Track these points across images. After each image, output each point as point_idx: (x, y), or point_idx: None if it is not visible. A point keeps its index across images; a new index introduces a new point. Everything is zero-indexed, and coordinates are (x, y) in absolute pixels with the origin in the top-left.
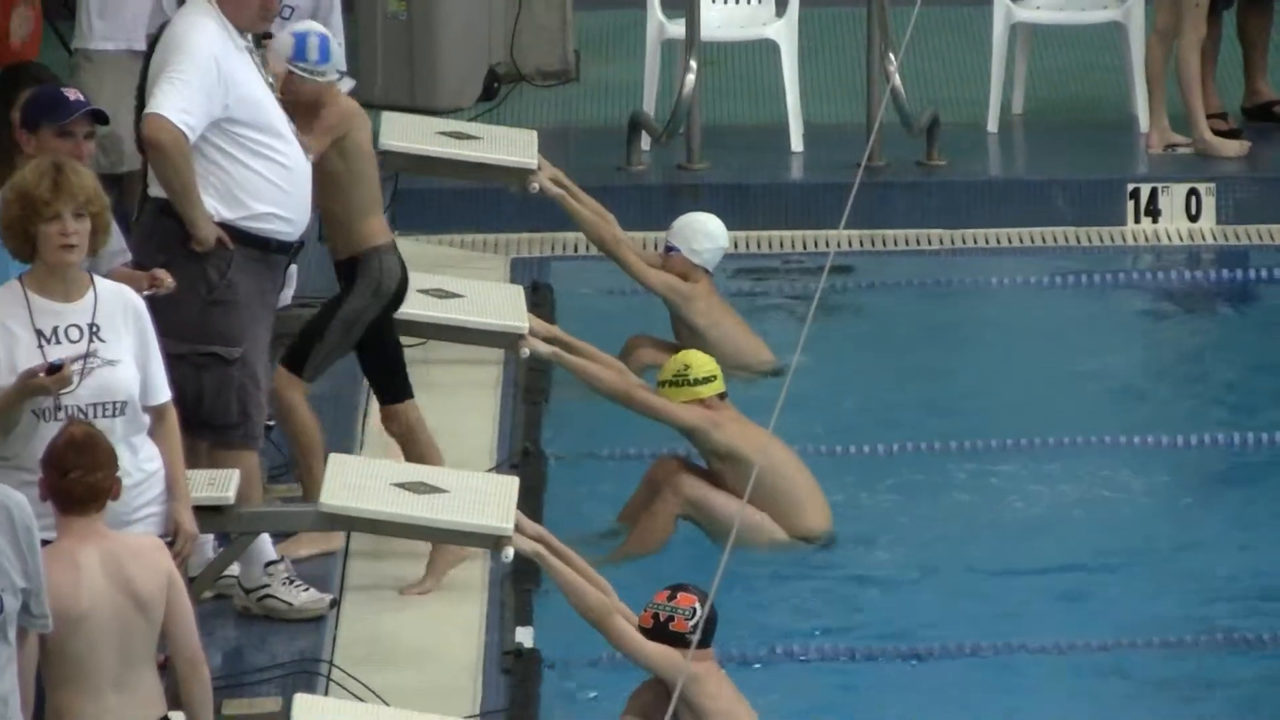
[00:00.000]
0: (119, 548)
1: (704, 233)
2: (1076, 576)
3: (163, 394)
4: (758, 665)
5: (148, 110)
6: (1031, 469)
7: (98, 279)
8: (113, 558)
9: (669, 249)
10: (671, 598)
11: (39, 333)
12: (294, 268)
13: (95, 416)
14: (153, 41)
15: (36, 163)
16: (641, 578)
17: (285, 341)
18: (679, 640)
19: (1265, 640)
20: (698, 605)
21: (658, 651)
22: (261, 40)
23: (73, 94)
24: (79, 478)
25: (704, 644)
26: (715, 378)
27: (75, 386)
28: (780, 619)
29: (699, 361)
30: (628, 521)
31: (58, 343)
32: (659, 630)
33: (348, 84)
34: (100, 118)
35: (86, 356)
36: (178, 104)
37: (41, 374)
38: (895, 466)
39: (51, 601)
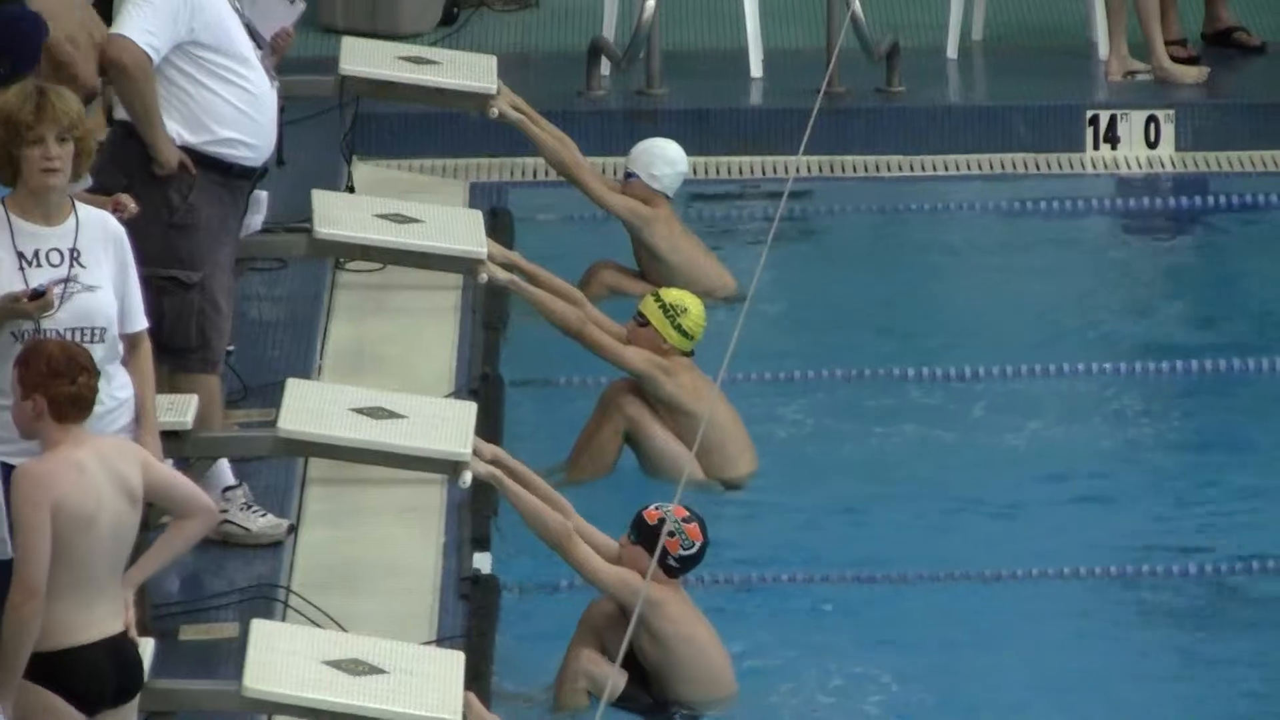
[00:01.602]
0: (106, 448)
1: (663, 158)
2: (1029, 504)
3: (139, 322)
4: (727, 592)
5: (112, 31)
6: (990, 395)
7: (79, 205)
8: (105, 459)
9: (628, 175)
10: (687, 520)
11: (20, 255)
12: (264, 194)
13: (74, 341)
14: None
15: (20, 86)
16: (597, 503)
17: (249, 265)
18: (661, 554)
19: (1209, 570)
20: (697, 543)
21: (617, 575)
22: None
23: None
24: (86, 381)
25: (674, 574)
26: (692, 338)
27: (56, 309)
28: (737, 548)
29: (696, 315)
30: (580, 446)
31: (39, 266)
32: (653, 532)
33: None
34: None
35: (67, 281)
36: (143, 25)
37: (24, 299)
38: (853, 392)
39: (64, 508)
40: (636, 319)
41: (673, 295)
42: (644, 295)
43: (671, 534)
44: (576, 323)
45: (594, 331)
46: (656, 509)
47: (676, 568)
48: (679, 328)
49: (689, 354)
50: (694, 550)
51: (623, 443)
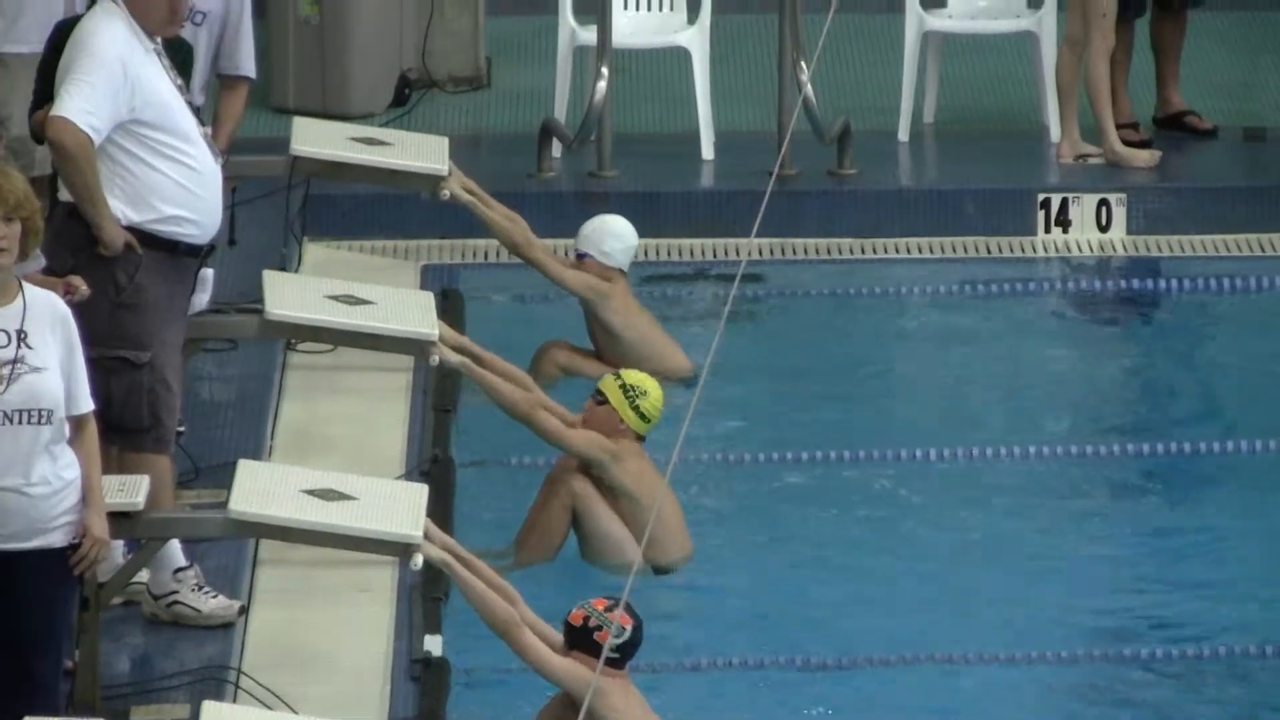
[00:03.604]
0: None
1: (612, 234)
2: (978, 587)
3: (86, 404)
4: (667, 676)
5: (52, 113)
6: (941, 478)
7: (26, 285)
8: None
9: (580, 255)
10: (609, 609)
11: None
12: (209, 272)
13: (21, 423)
14: (51, 42)
15: None
16: (547, 585)
17: (199, 346)
18: (595, 649)
19: (1169, 656)
20: (628, 628)
21: (564, 666)
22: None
23: None
24: None
25: (619, 664)
26: (649, 422)
27: (3, 391)
28: (683, 632)
29: (655, 399)
30: (527, 525)
31: None
32: (582, 633)
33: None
34: None
35: (14, 362)
36: (83, 106)
37: None
38: (804, 474)
39: None
40: (595, 397)
41: (634, 377)
42: (603, 375)
43: (599, 627)
44: (525, 406)
45: (542, 416)
46: (580, 609)
47: (617, 657)
48: (637, 409)
49: (640, 438)
50: (627, 636)
51: (570, 520)
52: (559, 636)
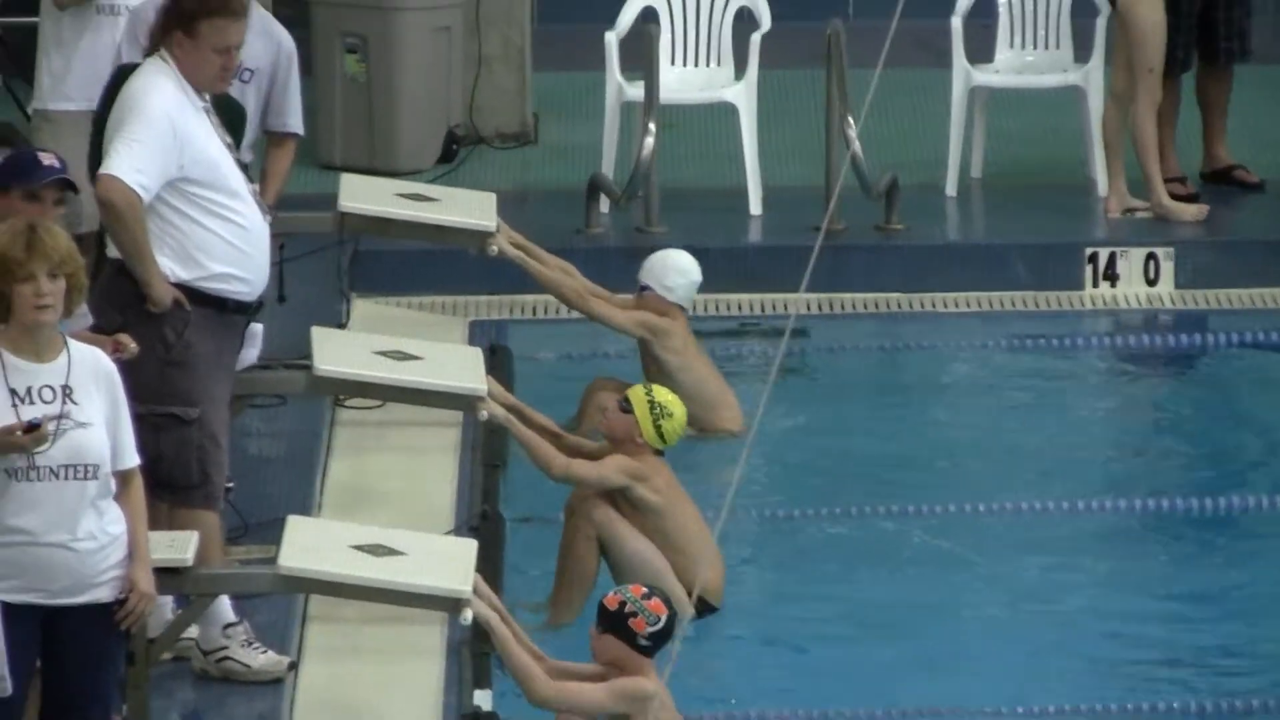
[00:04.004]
0: None
1: (676, 268)
2: (1030, 641)
3: (131, 459)
4: None
5: (101, 171)
6: (988, 533)
7: (71, 341)
8: None
9: (642, 289)
10: (646, 597)
11: (13, 392)
12: (258, 327)
13: (66, 479)
14: (104, 100)
15: (10, 223)
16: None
17: (248, 402)
18: (628, 635)
19: (1220, 710)
20: (663, 617)
21: (608, 689)
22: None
23: (48, 159)
24: None
25: (649, 653)
26: (666, 443)
27: (49, 447)
28: (721, 683)
29: (679, 423)
30: (560, 564)
31: (31, 403)
32: (617, 617)
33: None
34: (70, 185)
35: (60, 418)
36: (132, 164)
37: (19, 432)
38: (847, 529)
39: None
40: (620, 403)
41: (664, 395)
42: (635, 386)
43: (635, 614)
44: (560, 467)
45: (574, 471)
46: (615, 594)
47: (649, 645)
48: (659, 428)
49: (659, 454)
50: (661, 625)
51: (598, 550)
52: (589, 670)
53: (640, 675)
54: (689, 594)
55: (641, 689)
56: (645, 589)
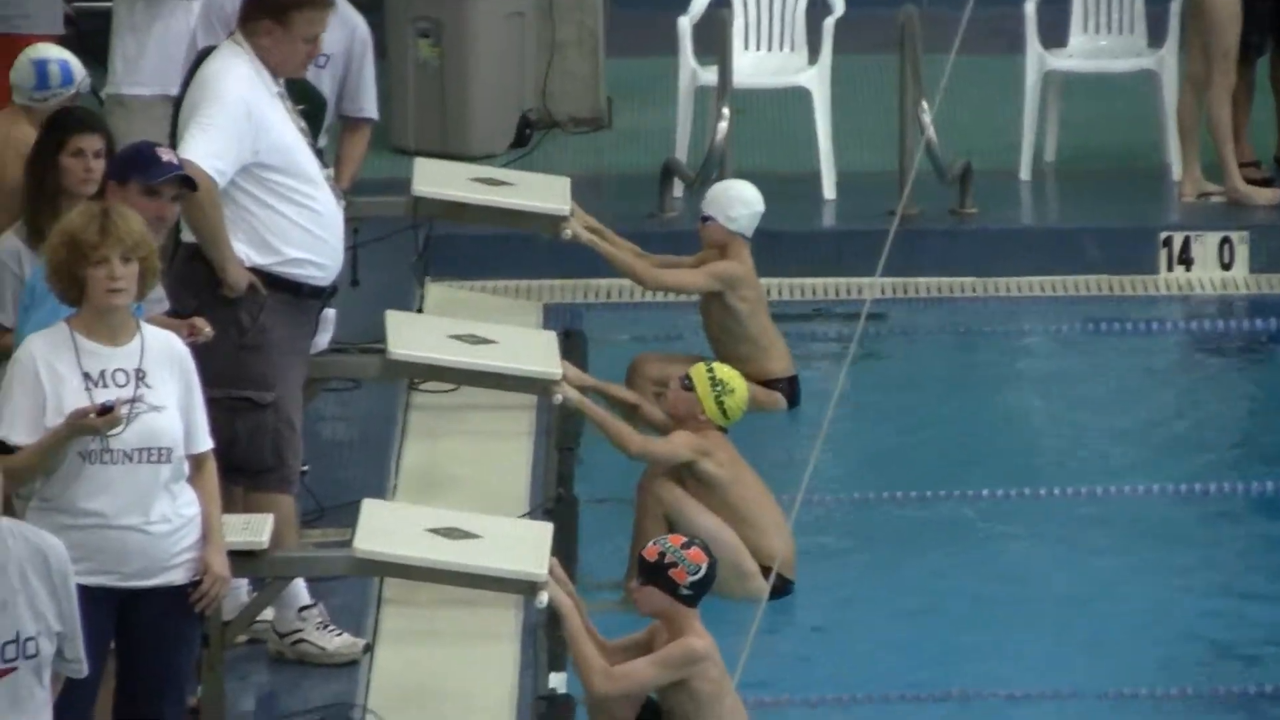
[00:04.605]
0: None
1: (739, 199)
2: (1106, 624)
3: (204, 442)
4: (782, 712)
5: (178, 155)
6: (1060, 517)
7: (144, 324)
8: None
9: (704, 219)
10: (685, 546)
11: (86, 375)
12: (331, 311)
13: (140, 462)
14: (185, 83)
15: (85, 206)
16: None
17: (322, 386)
18: (669, 585)
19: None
20: (703, 565)
21: (659, 658)
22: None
23: (166, 155)
24: None
25: (692, 602)
26: (729, 419)
27: (123, 430)
28: (792, 666)
29: (740, 398)
30: (633, 547)
31: (104, 386)
32: (657, 567)
33: (85, 83)
34: (190, 183)
35: (133, 401)
36: (208, 149)
37: (92, 414)
38: (922, 513)
39: None
40: (682, 381)
41: (725, 371)
42: (696, 363)
43: (675, 564)
44: (637, 446)
45: (649, 448)
46: (655, 544)
47: (690, 595)
48: (721, 404)
49: (722, 430)
50: (701, 574)
51: (669, 528)
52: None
53: (687, 631)
54: (765, 571)
55: (690, 651)
56: (685, 538)
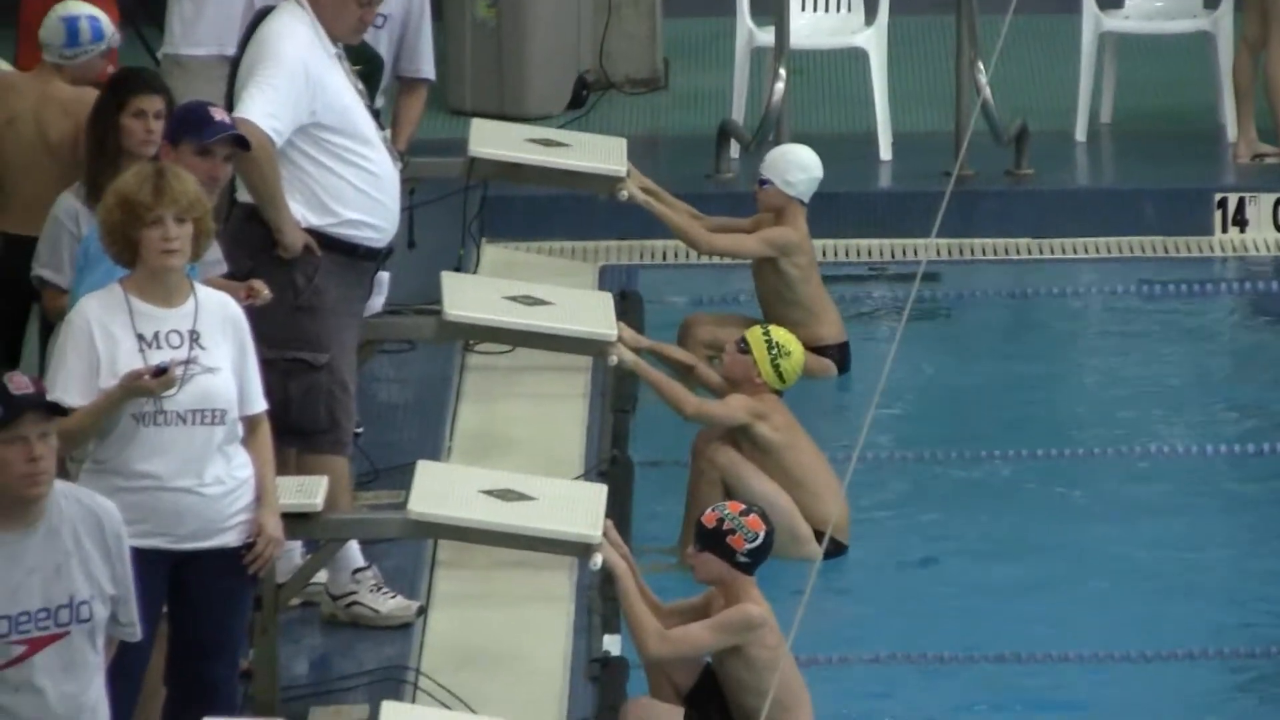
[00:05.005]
0: None
1: (797, 164)
2: (1150, 590)
3: (258, 404)
4: (834, 670)
5: (235, 115)
6: (1114, 477)
7: (198, 286)
8: None
9: (762, 182)
10: (744, 514)
11: (140, 337)
12: (385, 275)
13: (194, 424)
14: (243, 43)
15: (138, 167)
16: None
17: (378, 347)
18: (727, 552)
19: None
20: (761, 532)
21: (713, 624)
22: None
23: (219, 114)
24: None
25: (749, 570)
26: (785, 383)
27: (176, 391)
28: (844, 623)
29: (796, 362)
30: (688, 510)
31: (158, 348)
32: (715, 535)
33: (115, 39)
34: (242, 142)
35: (188, 362)
36: (265, 109)
37: (147, 376)
38: (978, 472)
39: None
40: (738, 344)
41: (781, 335)
42: (753, 327)
43: (734, 531)
44: (693, 407)
45: (705, 410)
46: (713, 511)
47: (748, 562)
48: (777, 368)
49: (778, 394)
50: (759, 541)
51: (724, 492)
52: (691, 606)
53: (743, 598)
54: (819, 535)
55: (747, 617)
56: (743, 505)
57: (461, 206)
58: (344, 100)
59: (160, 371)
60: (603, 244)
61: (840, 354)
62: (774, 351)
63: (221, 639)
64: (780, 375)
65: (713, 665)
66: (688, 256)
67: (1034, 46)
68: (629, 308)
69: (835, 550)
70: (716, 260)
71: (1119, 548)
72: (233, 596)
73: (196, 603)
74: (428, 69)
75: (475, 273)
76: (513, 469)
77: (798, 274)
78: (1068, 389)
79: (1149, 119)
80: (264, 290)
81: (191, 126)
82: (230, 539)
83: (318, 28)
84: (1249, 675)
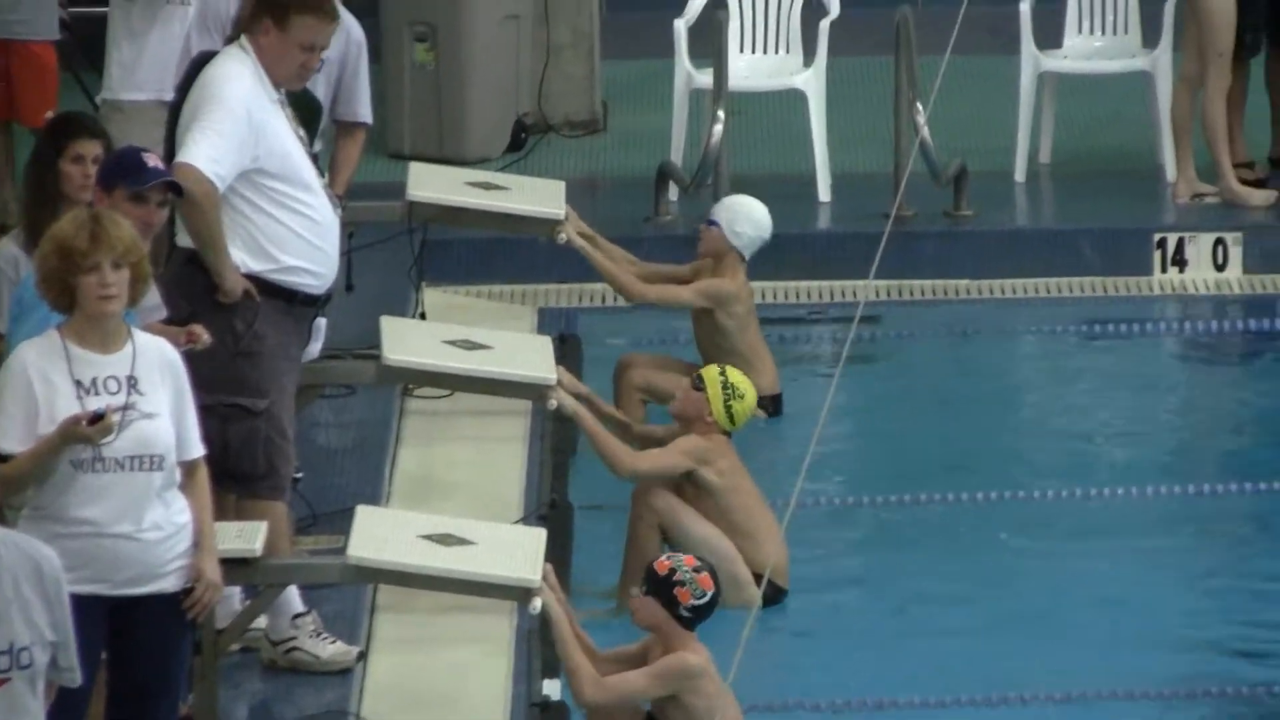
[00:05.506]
0: None
1: (749, 216)
2: (1086, 626)
3: (196, 449)
4: (773, 716)
5: (178, 159)
6: (1058, 521)
7: (136, 331)
8: None
9: (709, 222)
10: (697, 570)
11: (78, 383)
12: (322, 320)
13: (132, 469)
14: (182, 88)
15: (74, 214)
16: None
17: (317, 392)
18: (670, 601)
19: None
20: (709, 592)
21: (650, 672)
22: None
23: (152, 160)
24: None
25: (689, 625)
26: (735, 424)
27: (115, 438)
28: (781, 668)
29: (749, 405)
30: (626, 555)
31: (96, 394)
32: (664, 583)
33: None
34: (175, 188)
35: (125, 408)
36: (209, 154)
37: (84, 422)
38: (918, 515)
39: None
40: (694, 381)
41: (736, 376)
42: (709, 365)
43: (682, 584)
44: (627, 467)
45: (641, 468)
46: (668, 559)
47: (689, 617)
48: (729, 409)
49: (726, 434)
50: (705, 600)
51: (659, 539)
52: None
53: (679, 647)
54: (759, 578)
55: (685, 665)
56: (698, 561)
57: (401, 250)
58: (286, 146)
59: (98, 418)
60: (542, 287)
61: (774, 404)
62: (728, 392)
63: (161, 684)
64: (731, 417)
65: (653, 712)
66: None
67: (973, 87)
68: (568, 351)
69: (775, 595)
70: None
71: (1060, 589)
72: (171, 641)
73: (135, 648)
74: (365, 113)
75: (415, 317)
76: (452, 513)
77: (734, 324)
78: (1007, 431)
79: (1088, 159)
80: (204, 335)
81: (126, 172)
82: (168, 584)
83: (261, 73)
84: (1194, 714)
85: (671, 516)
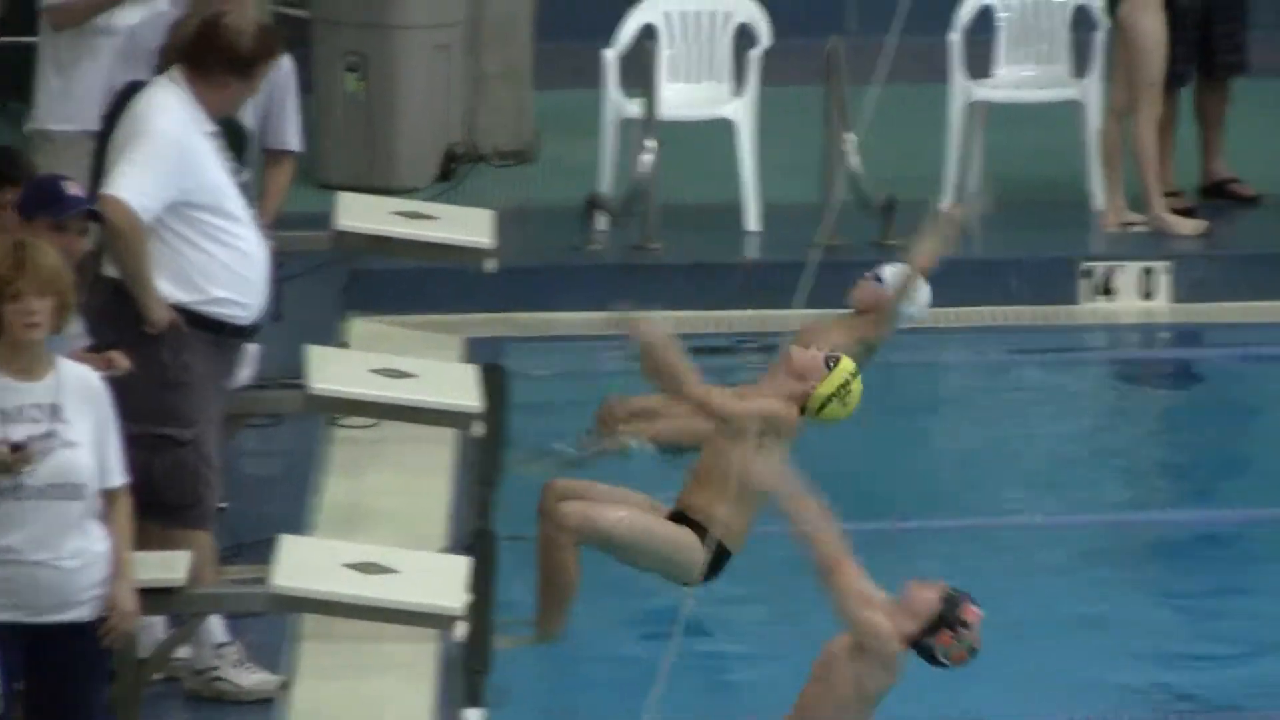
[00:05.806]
0: None
1: (924, 301)
2: (1013, 658)
3: (117, 478)
4: None
5: (104, 191)
6: (982, 549)
7: (60, 359)
8: None
9: (877, 278)
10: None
11: (0, 411)
12: (253, 347)
13: (53, 499)
14: (108, 117)
15: None
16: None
17: (244, 421)
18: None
19: None
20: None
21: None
22: None
23: (73, 189)
24: None
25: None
26: (812, 412)
27: (35, 466)
28: (714, 696)
29: (844, 412)
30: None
31: (18, 422)
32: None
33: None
34: (96, 216)
35: (47, 436)
36: (137, 185)
37: (4, 451)
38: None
39: None
40: (828, 356)
41: (856, 385)
42: (672, 409)
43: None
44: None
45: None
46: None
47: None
48: (827, 400)
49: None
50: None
51: (578, 555)
52: None
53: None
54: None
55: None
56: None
57: (328, 280)
58: (217, 179)
59: (18, 447)
60: (469, 317)
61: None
62: (841, 390)
63: (78, 713)
64: (820, 404)
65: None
66: (553, 329)
67: (904, 116)
68: (494, 380)
69: (722, 553)
70: (582, 332)
71: (993, 618)
72: (87, 670)
73: (51, 676)
74: (294, 141)
75: (342, 346)
76: (377, 542)
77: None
78: (935, 460)
79: (1017, 188)
80: (123, 361)
81: (46, 203)
82: (84, 613)
83: (193, 105)
84: None
85: (586, 526)
